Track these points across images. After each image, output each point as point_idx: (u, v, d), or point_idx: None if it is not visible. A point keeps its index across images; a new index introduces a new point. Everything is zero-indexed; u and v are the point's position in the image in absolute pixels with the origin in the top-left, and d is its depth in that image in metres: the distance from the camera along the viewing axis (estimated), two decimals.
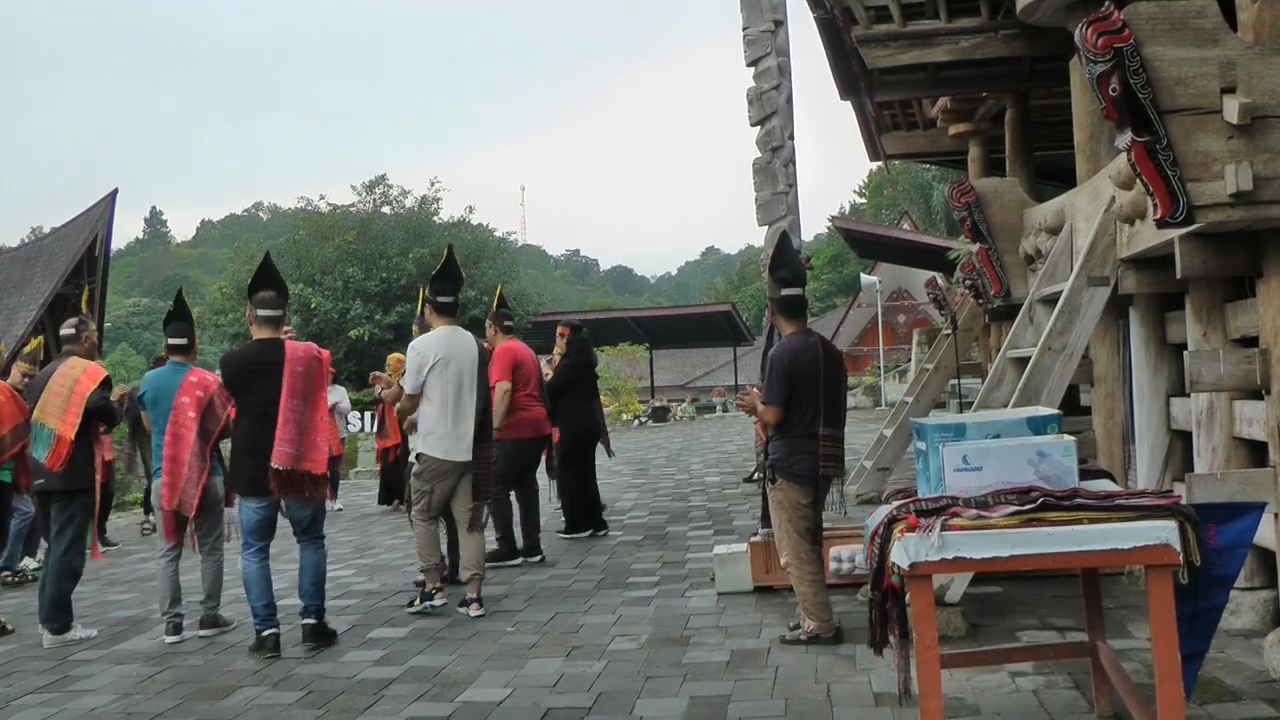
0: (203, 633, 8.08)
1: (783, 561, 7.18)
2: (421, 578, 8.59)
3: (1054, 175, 16.31)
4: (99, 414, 8.30)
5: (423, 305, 8.91)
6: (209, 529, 8.24)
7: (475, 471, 8.50)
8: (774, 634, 7.19)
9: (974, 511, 4.12)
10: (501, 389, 10.16)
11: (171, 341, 8.38)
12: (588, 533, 11.66)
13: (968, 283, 11.05)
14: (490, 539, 9.91)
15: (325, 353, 7.96)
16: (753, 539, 8.56)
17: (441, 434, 8.30)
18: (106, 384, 8.49)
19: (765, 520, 7.97)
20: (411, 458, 8.75)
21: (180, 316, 8.43)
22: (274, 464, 7.38)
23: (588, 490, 11.93)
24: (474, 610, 8.23)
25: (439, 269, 8.73)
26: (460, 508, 8.48)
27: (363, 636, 7.85)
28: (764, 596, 8.21)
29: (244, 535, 7.68)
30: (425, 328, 9.11)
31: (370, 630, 8.01)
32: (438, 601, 8.35)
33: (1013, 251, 9.81)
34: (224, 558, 8.35)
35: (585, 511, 11.82)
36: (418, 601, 8.44)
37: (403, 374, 8.67)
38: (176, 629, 8.05)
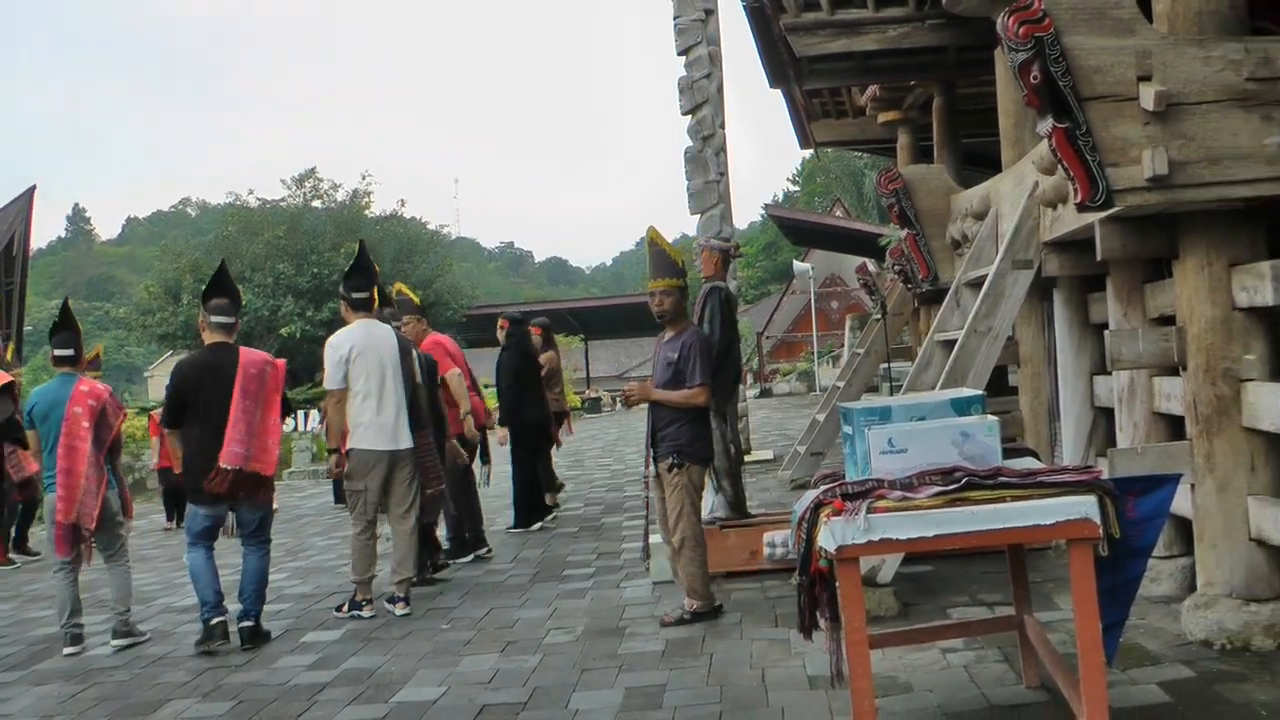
0: (115, 642, 7.92)
1: (676, 542, 7.28)
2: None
3: (981, 162, 16.46)
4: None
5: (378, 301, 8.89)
6: (109, 540, 8.10)
7: (419, 460, 8.52)
8: (708, 621, 7.28)
9: (899, 493, 4.19)
10: (455, 375, 10.20)
11: (58, 353, 8.28)
12: (536, 526, 11.72)
13: (897, 268, 11.18)
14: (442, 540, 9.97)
15: (280, 361, 7.98)
16: None
17: (369, 424, 8.27)
18: (7, 390, 8.37)
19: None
20: None
21: (66, 326, 8.33)
22: (222, 463, 7.36)
23: (538, 483, 12.01)
24: (399, 609, 8.22)
25: (352, 265, 8.74)
26: (396, 507, 8.44)
27: (296, 641, 7.80)
28: None
29: (189, 535, 7.66)
30: (386, 322, 9.16)
31: (303, 634, 7.96)
32: (366, 614, 8.25)
33: (940, 237, 9.94)
34: (130, 564, 8.27)
35: (535, 505, 11.89)
36: (345, 608, 8.38)
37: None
38: (76, 639, 7.96)
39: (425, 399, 9.11)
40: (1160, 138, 5.52)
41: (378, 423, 8.29)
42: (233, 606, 7.84)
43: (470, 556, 10.21)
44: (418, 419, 8.65)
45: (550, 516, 12.12)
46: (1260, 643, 5.70)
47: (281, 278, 36.52)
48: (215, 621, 7.52)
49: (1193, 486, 5.94)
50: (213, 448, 7.41)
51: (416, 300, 10.99)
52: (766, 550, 8.21)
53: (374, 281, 8.79)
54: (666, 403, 7.31)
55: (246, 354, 7.73)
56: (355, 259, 8.76)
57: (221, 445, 7.39)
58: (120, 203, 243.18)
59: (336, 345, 8.36)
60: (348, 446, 8.33)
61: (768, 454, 16.33)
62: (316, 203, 42.28)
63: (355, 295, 8.58)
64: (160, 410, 7.82)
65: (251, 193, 43.62)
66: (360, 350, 8.31)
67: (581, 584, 8.87)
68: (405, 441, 8.42)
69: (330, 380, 8.31)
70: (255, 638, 7.64)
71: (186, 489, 7.85)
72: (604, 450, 20.45)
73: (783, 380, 39.65)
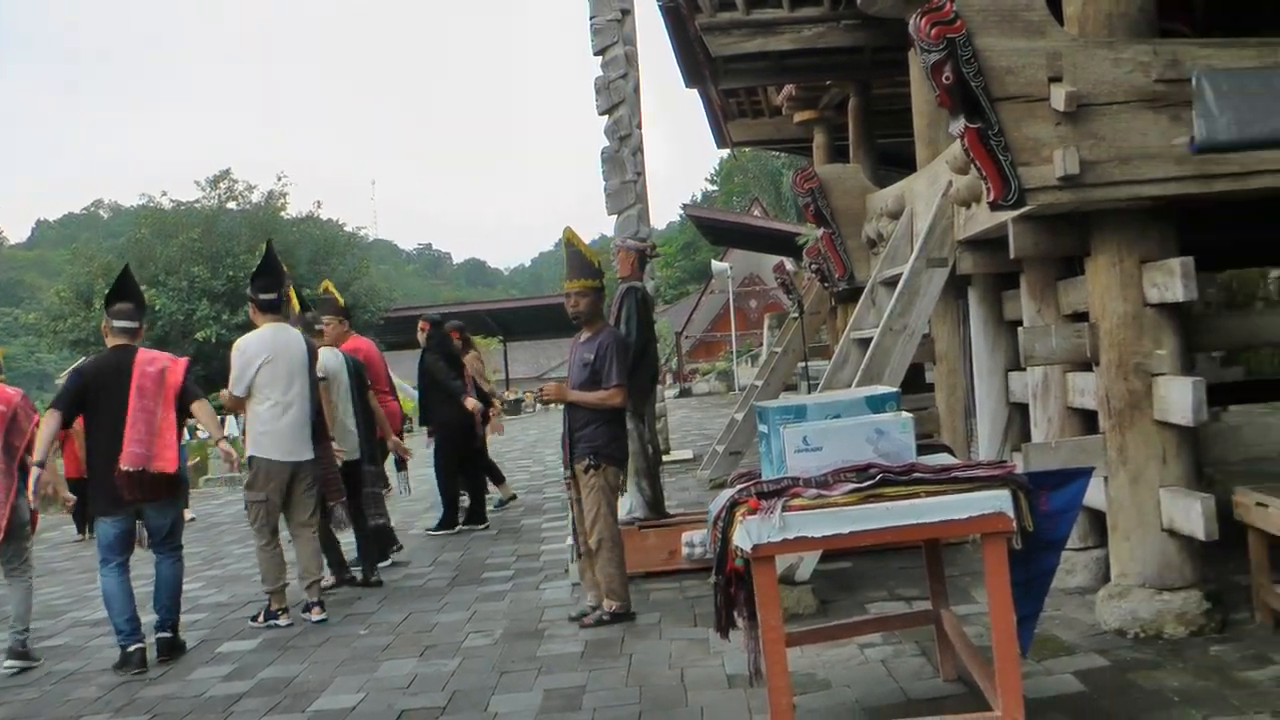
0: (8, 664, 7.61)
1: (593, 544, 7.27)
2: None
3: (896, 161, 16.59)
4: None
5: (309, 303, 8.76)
6: (15, 552, 7.80)
7: (319, 472, 8.39)
8: (628, 622, 7.27)
9: (814, 491, 4.19)
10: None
11: None
12: (458, 529, 11.70)
13: (814, 267, 11.25)
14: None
15: (182, 360, 7.76)
16: None
17: (274, 433, 8.12)
18: None
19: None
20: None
21: None
22: (122, 465, 7.15)
23: (466, 483, 12.01)
24: (315, 615, 8.14)
25: (259, 266, 8.56)
26: (296, 515, 8.32)
27: (211, 651, 7.66)
28: None
29: (101, 551, 7.41)
30: (307, 326, 9.06)
31: (219, 644, 7.83)
32: (282, 622, 8.12)
33: (856, 236, 10.01)
34: (33, 580, 7.96)
35: (458, 507, 11.87)
36: (260, 618, 8.25)
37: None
38: None
39: (357, 406, 9.08)
40: (1071, 138, 5.60)
41: (283, 432, 8.14)
42: (147, 618, 7.63)
43: (390, 560, 10.14)
44: (321, 429, 8.53)
45: (511, 498, 12.62)
46: (1173, 630, 5.82)
47: (196, 281, 35.96)
48: (132, 649, 7.30)
49: (1106, 479, 6.03)
50: (114, 451, 7.21)
51: (341, 301, 10.84)
52: (685, 550, 8.22)
53: (283, 283, 8.59)
54: (582, 404, 7.29)
55: (144, 354, 7.51)
56: (263, 259, 8.59)
57: (122, 448, 7.21)
58: (29, 205, 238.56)
59: (245, 350, 8.19)
60: (250, 454, 8.18)
61: (687, 454, 16.37)
62: (231, 204, 41.68)
63: (263, 297, 8.40)
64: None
65: (165, 194, 43.15)
66: (270, 356, 8.14)
67: (501, 586, 8.83)
68: (308, 453, 8.29)
69: (236, 385, 8.14)
70: (171, 650, 7.48)
71: (91, 501, 7.67)
72: (523, 452, 20.41)
73: (702, 380, 39.76)
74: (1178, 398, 5.64)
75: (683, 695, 5.73)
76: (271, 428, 8.12)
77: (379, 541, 9.46)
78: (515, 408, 35.12)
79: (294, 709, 6.20)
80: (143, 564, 8.17)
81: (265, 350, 8.16)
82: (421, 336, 11.97)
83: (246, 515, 8.43)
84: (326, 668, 6.96)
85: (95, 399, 7.41)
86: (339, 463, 8.92)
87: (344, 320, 10.53)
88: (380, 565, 9.72)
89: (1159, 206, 5.89)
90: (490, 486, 12.69)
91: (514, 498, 13.17)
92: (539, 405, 32.98)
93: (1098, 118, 5.63)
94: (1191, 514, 5.60)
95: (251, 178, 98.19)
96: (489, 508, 12.15)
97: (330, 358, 9.23)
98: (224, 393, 8.32)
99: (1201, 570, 6.00)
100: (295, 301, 9.60)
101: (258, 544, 8.26)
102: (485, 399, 12.80)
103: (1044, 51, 5.62)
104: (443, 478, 11.79)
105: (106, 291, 8.08)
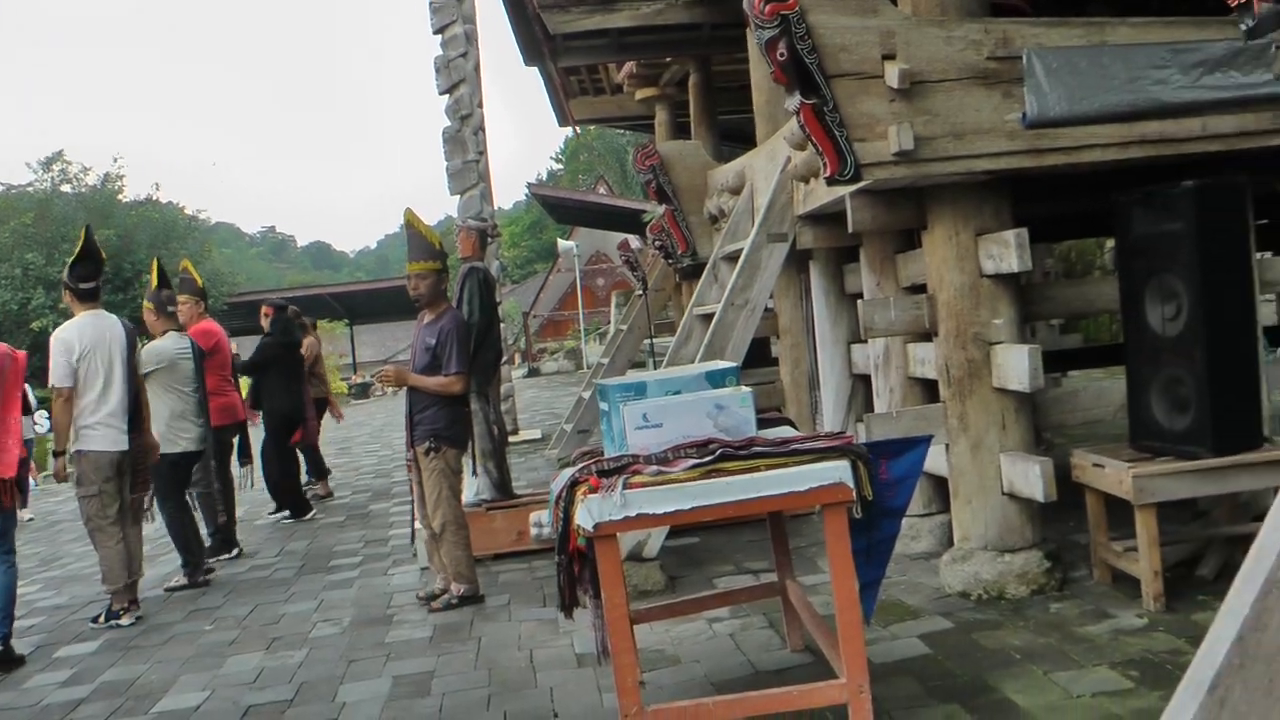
0: None
1: (436, 527, 7.22)
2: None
3: (738, 138, 16.73)
4: None
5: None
6: None
7: (132, 463, 8.14)
8: (476, 605, 7.24)
9: (655, 468, 4.18)
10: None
11: None
12: (304, 515, 11.53)
13: (657, 244, 11.27)
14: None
15: (21, 353, 7.42)
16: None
17: (100, 424, 7.87)
18: None
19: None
20: None
21: None
22: None
23: (293, 472, 11.80)
24: (129, 616, 7.92)
25: (77, 253, 8.15)
26: (123, 506, 8.06)
27: (49, 657, 7.34)
28: None
29: None
30: (159, 305, 8.80)
31: (57, 649, 7.50)
32: (125, 622, 7.86)
33: (698, 212, 10.05)
34: None
35: (293, 493, 11.66)
36: (101, 618, 7.96)
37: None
38: None
39: (200, 395, 8.86)
40: (906, 114, 5.67)
41: (106, 422, 7.90)
42: None
43: (235, 553, 9.93)
44: (138, 419, 8.26)
45: (329, 494, 12.34)
46: (1014, 590, 5.97)
47: (30, 268, 34.60)
48: None
49: (948, 446, 6.14)
50: None
51: (200, 282, 10.56)
52: (533, 530, 8.17)
53: (101, 270, 8.28)
54: (421, 388, 7.21)
55: None
56: (81, 246, 8.18)
57: None
58: None
59: (66, 340, 7.91)
60: (76, 449, 7.91)
61: (536, 433, 16.33)
62: (66, 187, 40.33)
63: (83, 286, 8.10)
64: None
65: None
66: (91, 346, 7.90)
67: (349, 574, 8.71)
68: (128, 443, 8.03)
69: (60, 377, 7.82)
70: (6, 664, 7.08)
71: None
72: (371, 436, 20.16)
73: (550, 359, 39.70)
74: (1015, 365, 5.77)
75: (532, 676, 5.71)
76: (94, 419, 7.87)
77: (197, 538, 9.17)
78: (363, 391, 34.70)
79: (136, 712, 6.00)
80: None
81: (87, 340, 7.91)
82: (265, 322, 11.73)
83: (81, 515, 8.12)
84: (170, 667, 6.76)
85: None
86: (179, 451, 8.69)
87: (200, 301, 10.26)
88: (222, 558, 9.58)
89: (993, 180, 6.01)
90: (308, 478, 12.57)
91: (331, 495, 12.93)
92: (388, 390, 32.68)
93: (932, 94, 5.71)
94: (1031, 477, 5.74)
95: (86, 160, 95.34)
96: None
97: (172, 344, 8.95)
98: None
99: (1041, 531, 6.17)
100: (156, 278, 9.33)
101: (97, 541, 7.96)
102: (322, 387, 12.69)
103: (877, 29, 5.68)
104: (274, 466, 11.55)
105: None
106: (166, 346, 8.86)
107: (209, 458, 9.36)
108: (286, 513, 11.54)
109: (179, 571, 8.92)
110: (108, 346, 7.98)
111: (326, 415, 13.41)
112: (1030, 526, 6.10)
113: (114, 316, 8.30)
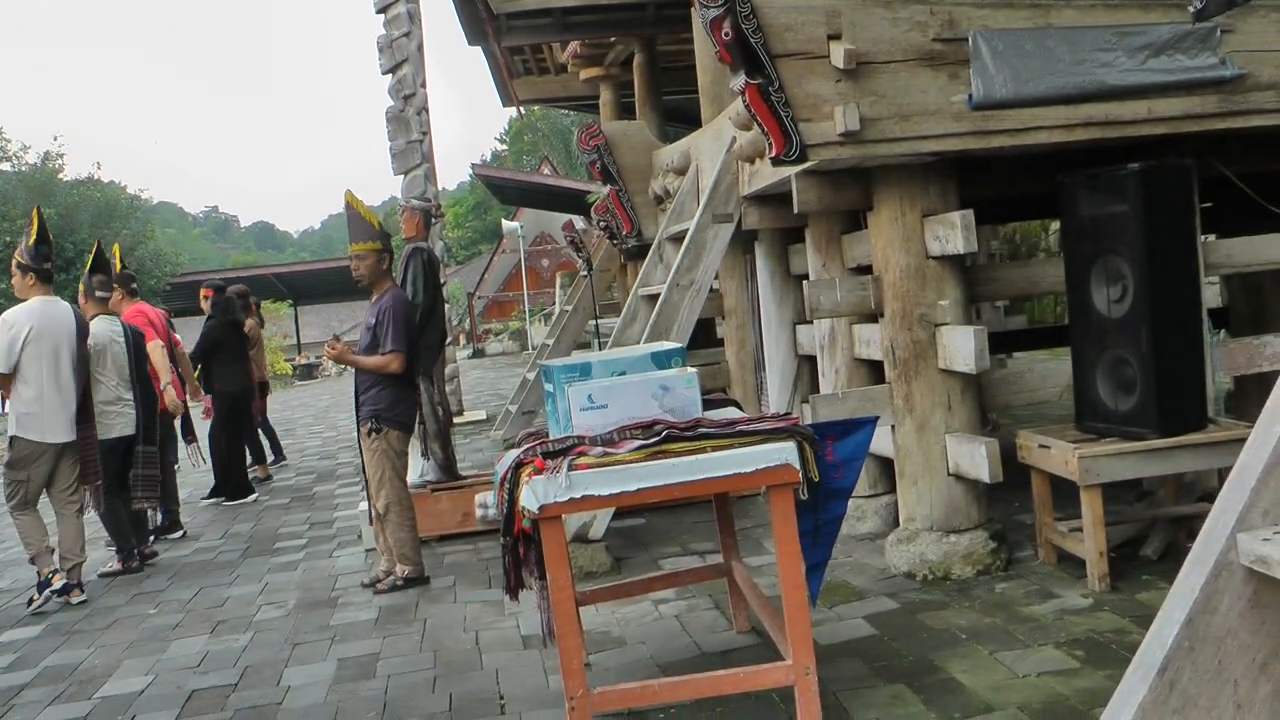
0: None
1: (380, 508, 7.18)
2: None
3: (683, 118, 16.70)
4: None
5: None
6: None
7: (80, 454, 8.02)
8: (422, 586, 7.21)
9: (600, 449, 4.16)
10: (157, 346, 9.62)
11: None
12: (249, 498, 11.42)
13: (602, 225, 11.23)
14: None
15: None
16: None
17: (38, 414, 7.73)
18: None
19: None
20: None
21: None
22: None
23: (240, 453, 11.69)
24: (75, 597, 7.82)
25: (39, 234, 7.98)
26: (60, 493, 7.98)
27: None
28: None
29: None
30: (89, 288, 8.67)
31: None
32: (56, 585, 7.75)
33: (643, 192, 10.01)
34: None
35: (237, 476, 11.53)
36: (36, 596, 7.81)
37: None
38: None
39: (135, 379, 8.72)
40: (851, 94, 5.65)
41: (46, 413, 7.76)
42: None
43: (180, 533, 9.84)
44: (86, 411, 8.10)
45: (267, 478, 12.27)
46: (960, 571, 6.01)
47: None
48: None
49: (894, 427, 6.16)
50: None
51: (120, 267, 10.35)
52: (479, 512, 8.06)
53: (51, 253, 8.12)
54: (360, 367, 7.15)
55: None
56: (40, 228, 8.03)
57: None
58: None
59: (12, 324, 7.76)
60: (12, 434, 7.79)
61: (481, 414, 16.26)
62: (5, 165, 39.78)
63: (46, 266, 7.99)
64: None
65: None
66: (38, 332, 7.76)
67: (294, 556, 8.66)
68: (72, 434, 7.89)
69: (1, 364, 7.71)
70: None
71: None
72: (316, 417, 20.02)
73: (495, 340, 39.60)
74: (960, 346, 5.79)
75: (478, 658, 5.68)
76: (36, 409, 7.74)
77: (138, 525, 9.06)
78: (309, 372, 34.48)
79: (79, 697, 5.91)
80: None
81: (34, 325, 7.77)
82: (205, 304, 11.61)
83: (4, 491, 8.03)
84: (114, 651, 6.67)
85: None
86: (114, 436, 8.57)
87: (121, 288, 10.00)
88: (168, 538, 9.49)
89: (939, 162, 6.02)
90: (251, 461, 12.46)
91: (270, 478, 12.82)
92: (334, 369, 32.52)
93: (877, 75, 5.70)
94: (976, 458, 5.76)
95: (25, 138, 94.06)
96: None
97: (105, 327, 8.79)
98: None
99: (987, 512, 6.21)
100: (119, 262, 9.21)
101: (13, 516, 7.88)
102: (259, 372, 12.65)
103: (823, 9, 5.65)
104: (219, 445, 11.44)
105: None
106: (98, 331, 8.69)
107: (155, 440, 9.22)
108: (223, 498, 11.41)
109: (114, 557, 8.80)
110: (54, 336, 7.84)
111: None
112: (976, 507, 6.13)
113: (66, 304, 8.18)
